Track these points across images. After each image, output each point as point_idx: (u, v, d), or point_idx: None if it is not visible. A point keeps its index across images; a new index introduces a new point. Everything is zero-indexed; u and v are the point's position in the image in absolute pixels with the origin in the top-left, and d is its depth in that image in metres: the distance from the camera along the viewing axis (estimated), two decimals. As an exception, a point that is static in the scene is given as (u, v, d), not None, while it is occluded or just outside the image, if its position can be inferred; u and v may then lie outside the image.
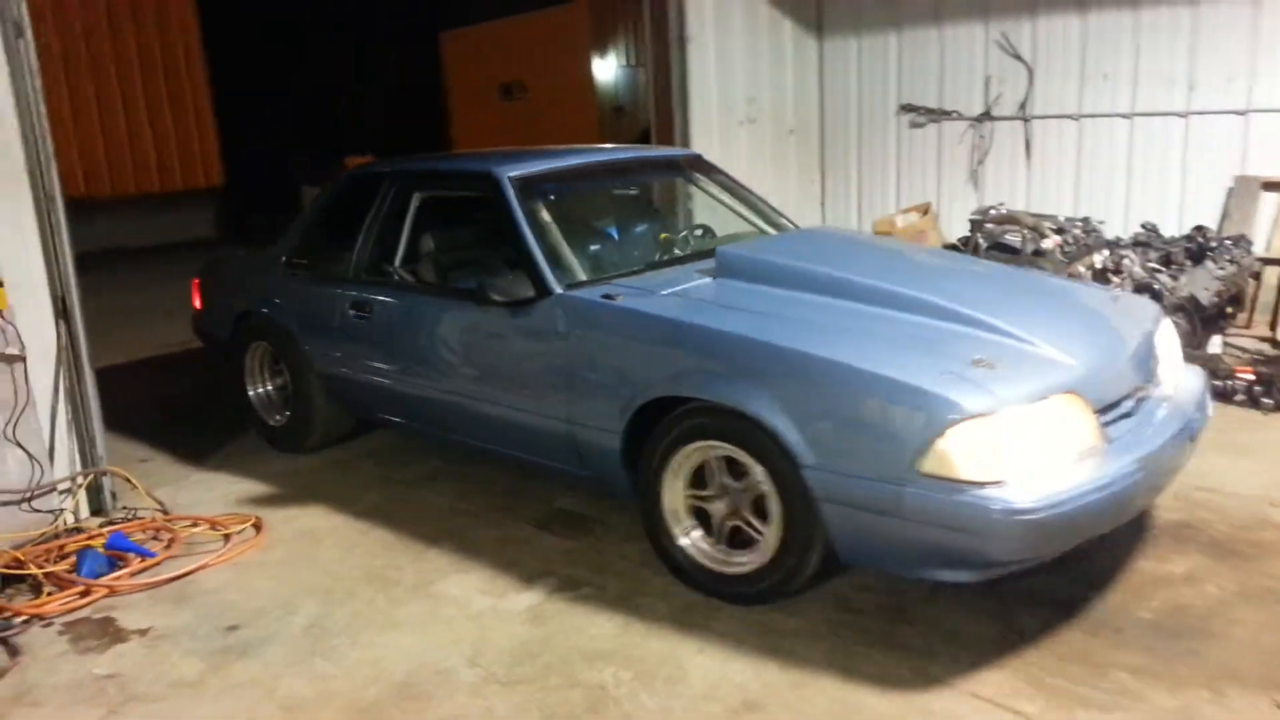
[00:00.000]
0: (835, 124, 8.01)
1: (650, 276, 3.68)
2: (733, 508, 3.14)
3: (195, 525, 4.02)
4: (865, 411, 2.74)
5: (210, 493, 4.42)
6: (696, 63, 6.76)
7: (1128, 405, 2.99)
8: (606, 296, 3.43)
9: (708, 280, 3.54)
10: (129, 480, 4.19)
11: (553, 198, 3.97)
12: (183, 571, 3.59)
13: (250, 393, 4.99)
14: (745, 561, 3.12)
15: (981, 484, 2.57)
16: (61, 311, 3.98)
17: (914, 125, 7.55)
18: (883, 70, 7.62)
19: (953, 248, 6.86)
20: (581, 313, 3.43)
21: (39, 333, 3.92)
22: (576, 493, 4.12)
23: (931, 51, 7.37)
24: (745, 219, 4.56)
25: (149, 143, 13.83)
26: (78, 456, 4.11)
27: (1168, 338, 3.45)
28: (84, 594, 3.43)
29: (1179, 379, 3.37)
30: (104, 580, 3.48)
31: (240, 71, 15.11)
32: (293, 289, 4.65)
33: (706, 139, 6.94)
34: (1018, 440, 2.64)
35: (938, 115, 7.38)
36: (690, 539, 3.24)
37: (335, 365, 4.45)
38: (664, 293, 3.43)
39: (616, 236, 4.40)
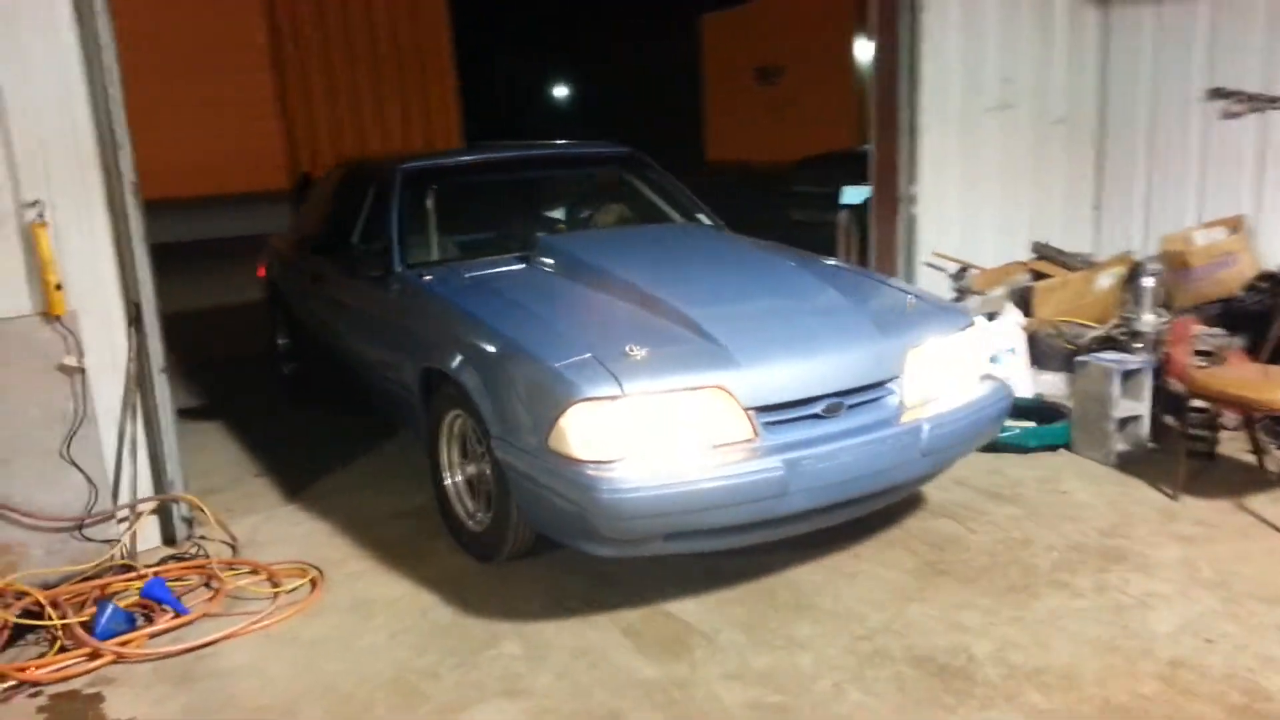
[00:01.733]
0: (1118, 112, 6.40)
1: (490, 261, 3.98)
2: (481, 471, 3.40)
3: (255, 573, 3.49)
4: (521, 386, 3.01)
5: (297, 528, 3.90)
6: (934, 35, 5.49)
7: (817, 408, 3.02)
8: (423, 276, 3.87)
9: (519, 267, 3.88)
10: (200, 508, 3.73)
11: (439, 189, 4.37)
12: (203, 641, 3.02)
13: (278, 344, 5.81)
14: (482, 519, 3.43)
15: (593, 462, 2.76)
16: (135, 318, 3.56)
17: (1226, 115, 5.84)
18: (1186, 45, 5.93)
19: (1269, 277, 5.21)
20: (402, 288, 3.91)
21: (107, 341, 3.52)
22: (687, 588, 3.21)
23: (1256, 20, 5.62)
24: (667, 214, 4.79)
25: (397, 128, 14.13)
26: (150, 478, 3.70)
27: (951, 352, 3.37)
28: (91, 656, 2.95)
29: (950, 394, 3.31)
30: (113, 644, 2.97)
31: (486, 59, 15.17)
32: (291, 262, 5.41)
33: (942, 129, 5.67)
34: (639, 424, 2.81)
35: (1261, 103, 5.63)
36: (452, 482, 3.59)
37: (311, 328, 5.11)
38: (466, 275, 3.81)
39: (515, 225, 4.59)
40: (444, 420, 3.53)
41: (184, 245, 10.41)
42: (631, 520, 2.78)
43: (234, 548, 3.68)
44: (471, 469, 3.49)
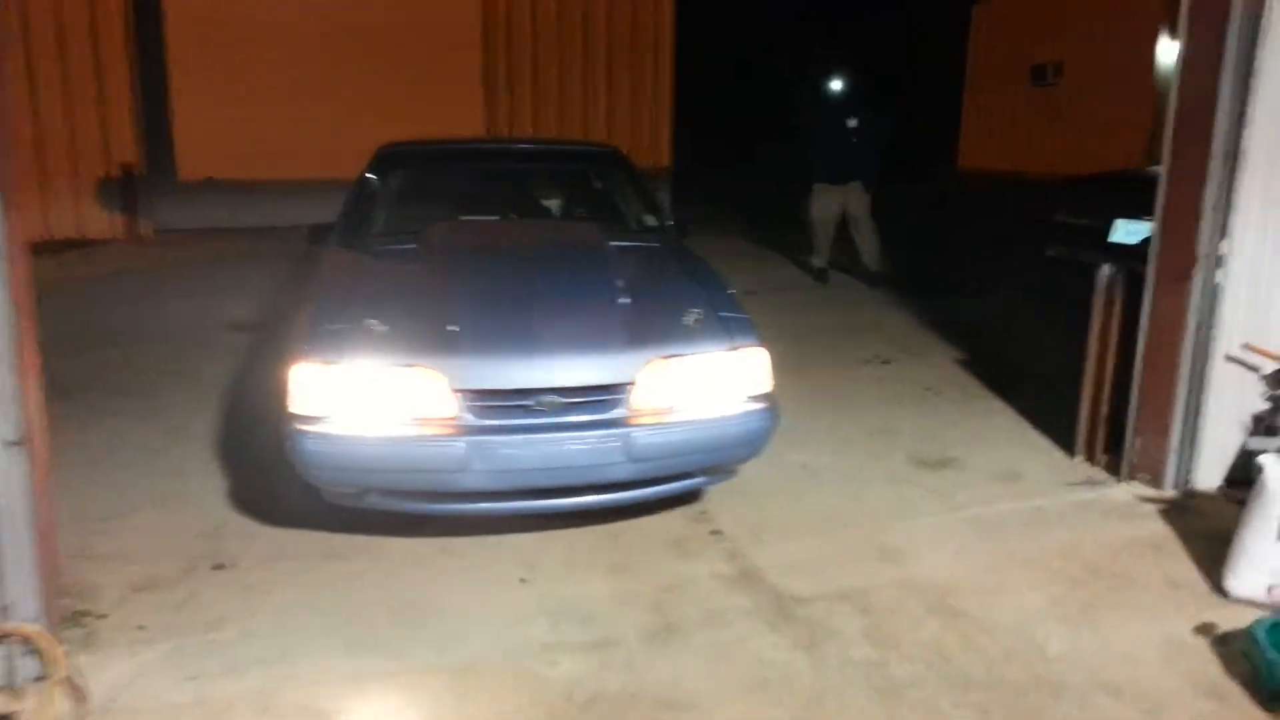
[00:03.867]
0: None
1: (396, 239, 4.46)
2: None
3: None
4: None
5: (191, 683, 2.68)
6: (1283, 13, 3.53)
7: (529, 400, 3.22)
8: (340, 250, 4.40)
9: (409, 246, 4.26)
10: (36, 647, 2.59)
11: (407, 173, 5.23)
12: None
13: None
14: None
15: (303, 417, 3.15)
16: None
17: None
18: None
19: None
20: (329, 260, 4.35)
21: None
22: None
23: None
24: (622, 211, 5.25)
25: (601, 122, 13.12)
26: (-12, 595, 2.61)
27: (705, 368, 3.44)
28: None
29: (689, 408, 3.38)
30: None
31: (715, 48, 13.80)
32: None
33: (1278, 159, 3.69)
34: (348, 390, 3.17)
35: None
36: None
37: None
38: (368, 252, 4.34)
39: (473, 210, 5.07)
40: None
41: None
42: (323, 470, 3.18)
43: (84, 700, 2.54)
44: None
